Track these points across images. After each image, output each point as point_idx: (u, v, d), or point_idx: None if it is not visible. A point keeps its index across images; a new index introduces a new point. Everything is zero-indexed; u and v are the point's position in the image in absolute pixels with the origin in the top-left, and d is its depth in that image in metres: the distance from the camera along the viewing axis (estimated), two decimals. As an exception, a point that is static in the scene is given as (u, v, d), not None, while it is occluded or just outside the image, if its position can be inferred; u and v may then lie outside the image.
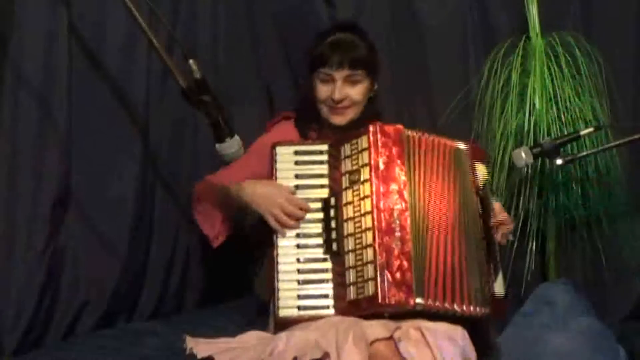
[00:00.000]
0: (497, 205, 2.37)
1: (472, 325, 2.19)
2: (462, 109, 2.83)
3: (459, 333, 2.14)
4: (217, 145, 2.10)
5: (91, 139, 2.56)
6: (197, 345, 2.11)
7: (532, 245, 2.76)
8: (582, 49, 2.75)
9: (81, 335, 2.53)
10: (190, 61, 2.05)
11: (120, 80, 2.60)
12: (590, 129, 2.44)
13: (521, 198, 2.75)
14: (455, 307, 2.18)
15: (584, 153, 2.52)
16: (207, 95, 2.06)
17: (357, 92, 2.44)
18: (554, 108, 2.73)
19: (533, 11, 2.79)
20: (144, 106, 2.67)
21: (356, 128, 2.32)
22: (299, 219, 2.22)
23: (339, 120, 2.45)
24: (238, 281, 2.59)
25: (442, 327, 2.13)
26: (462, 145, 2.34)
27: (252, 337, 2.19)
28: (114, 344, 2.46)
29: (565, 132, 2.65)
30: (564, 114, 2.73)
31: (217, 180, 2.41)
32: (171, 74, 2.07)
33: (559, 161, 2.34)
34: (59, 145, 2.48)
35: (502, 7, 2.90)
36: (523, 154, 2.36)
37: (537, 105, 2.73)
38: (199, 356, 2.08)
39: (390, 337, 2.05)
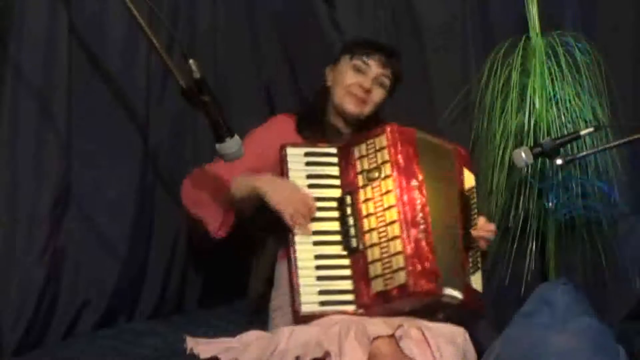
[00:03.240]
0: (481, 220, 2.42)
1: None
2: (462, 109, 2.83)
3: (460, 334, 2.15)
4: (217, 145, 2.10)
5: (91, 139, 2.56)
6: (197, 345, 2.11)
7: (532, 245, 2.76)
8: (582, 49, 2.75)
9: (81, 335, 2.54)
10: (190, 61, 2.05)
11: (120, 80, 2.60)
12: (590, 129, 2.43)
13: (521, 198, 2.75)
14: (459, 295, 2.23)
15: (584, 153, 2.52)
16: (207, 95, 2.05)
17: (378, 94, 2.51)
18: (554, 108, 2.73)
19: (533, 11, 2.79)
20: (144, 106, 2.67)
21: (365, 131, 2.37)
22: (309, 219, 2.25)
23: (353, 108, 2.48)
24: (238, 281, 2.59)
25: (443, 327, 2.14)
26: (452, 147, 2.42)
27: (252, 337, 2.19)
28: (114, 344, 2.46)
29: (565, 132, 2.65)
30: (564, 114, 2.73)
31: (214, 172, 2.40)
32: (171, 74, 2.07)
33: (559, 161, 2.34)
34: (59, 145, 2.48)
35: (502, 7, 2.90)
36: (523, 154, 2.36)
37: (537, 105, 2.73)
38: (201, 356, 2.08)
39: (392, 335, 2.06)
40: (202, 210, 2.40)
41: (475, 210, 2.41)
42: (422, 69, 2.91)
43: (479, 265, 2.40)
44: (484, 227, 2.41)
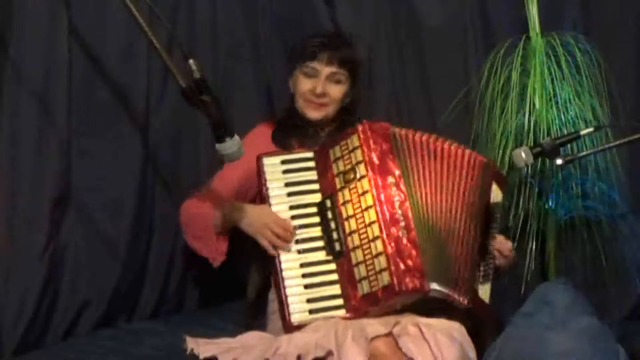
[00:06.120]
0: (499, 238, 2.42)
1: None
2: (462, 109, 2.83)
3: (457, 329, 2.15)
4: (217, 145, 2.10)
5: (91, 139, 2.56)
6: (198, 345, 2.11)
7: (532, 245, 2.75)
8: (582, 49, 2.75)
9: (81, 335, 2.54)
10: (190, 61, 2.05)
11: (120, 80, 2.60)
12: (590, 129, 2.43)
13: (521, 198, 2.75)
14: (457, 296, 2.20)
15: (584, 153, 2.52)
16: (207, 95, 2.06)
17: (338, 91, 2.49)
18: (554, 108, 2.73)
19: (533, 11, 2.78)
20: (144, 106, 2.67)
21: (339, 133, 2.37)
22: (287, 240, 2.25)
23: (314, 114, 2.48)
24: (238, 281, 2.59)
25: (439, 323, 2.14)
26: (485, 159, 2.42)
27: (252, 337, 2.19)
28: (114, 344, 2.46)
29: (565, 132, 2.65)
30: (564, 114, 2.72)
31: (208, 196, 2.43)
32: (171, 74, 2.08)
33: (559, 161, 2.34)
34: (59, 145, 2.49)
35: (502, 7, 2.89)
36: (523, 154, 2.36)
37: (537, 105, 2.72)
38: (201, 356, 2.08)
39: (390, 334, 2.06)
40: (197, 242, 2.44)
41: (496, 226, 2.40)
42: (422, 69, 2.91)
43: (490, 277, 2.39)
44: (501, 243, 2.41)
